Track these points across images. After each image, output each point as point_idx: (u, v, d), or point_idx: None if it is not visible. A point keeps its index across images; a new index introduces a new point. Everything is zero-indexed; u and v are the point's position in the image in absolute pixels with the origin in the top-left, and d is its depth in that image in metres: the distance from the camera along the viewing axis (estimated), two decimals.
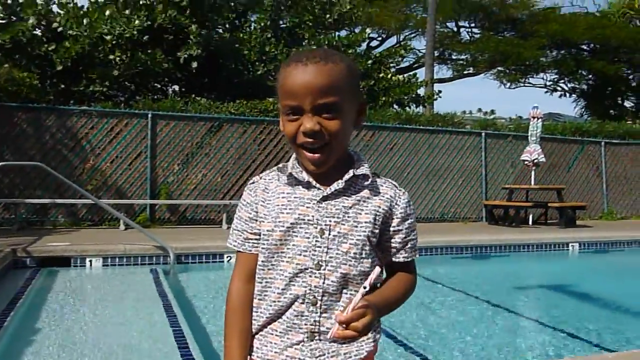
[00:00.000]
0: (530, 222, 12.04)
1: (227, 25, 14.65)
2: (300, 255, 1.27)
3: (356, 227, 1.29)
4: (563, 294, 6.69)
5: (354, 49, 15.88)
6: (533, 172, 12.52)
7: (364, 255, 1.29)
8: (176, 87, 15.04)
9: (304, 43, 15.11)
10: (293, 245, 1.28)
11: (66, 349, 4.03)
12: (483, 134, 13.37)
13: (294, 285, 1.27)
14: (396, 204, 1.36)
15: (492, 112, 62.20)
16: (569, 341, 4.56)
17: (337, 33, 16.26)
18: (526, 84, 29.64)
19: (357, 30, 18.67)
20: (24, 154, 9.88)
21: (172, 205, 10.86)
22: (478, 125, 14.22)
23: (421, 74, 22.83)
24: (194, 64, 12.73)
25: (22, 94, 10.13)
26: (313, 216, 1.28)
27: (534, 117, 12.43)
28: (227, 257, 7.71)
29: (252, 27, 14.97)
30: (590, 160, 14.56)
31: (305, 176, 1.31)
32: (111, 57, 12.13)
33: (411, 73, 21.51)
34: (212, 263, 7.66)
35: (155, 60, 12.16)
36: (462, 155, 13.12)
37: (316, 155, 1.26)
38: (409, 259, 1.40)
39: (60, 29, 11.98)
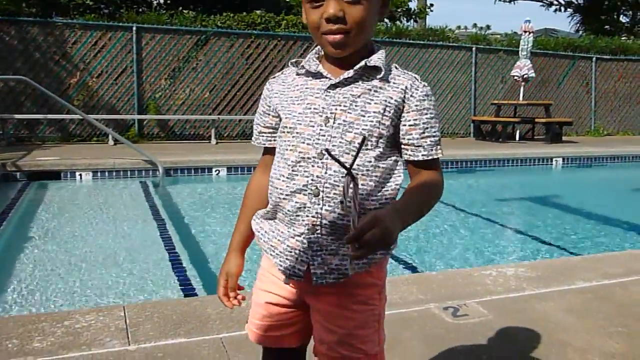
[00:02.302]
0: (517, 138, 12.16)
1: None
2: (303, 143, 1.24)
3: (363, 116, 1.23)
4: (544, 206, 6.90)
5: None
6: (522, 88, 12.50)
7: (368, 147, 1.23)
8: (161, 0, 14.62)
9: None
10: (297, 133, 1.25)
11: (58, 257, 4.18)
12: (474, 49, 13.21)
13: (297, 174, 1.24)
14: (411, 95, 1.25)
15: (488, 27, 61.04)
16: (542, 247, 4.77)
17: None
18: None
19: None
20: (9, 67, 9.74)
21: (160, 120, 10.84)
22: (469, 40, 14.02)
23: None
24: None
25: (1, 6, 9.83)
26: (319, 105, 1.25)
27: (525, 32, 12.27)
28: (216, 170, 7.82)
29: None
30: (581, 76, 14.50)
31: (315, 67, 1.28)
32: None
33: None
34: (200, 176, 7.79)
35: None
36: (452, 71, 13.02)
37: (337, 36, 1.20)
38: (429, 157, 1.26)
39: None
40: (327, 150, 1.18)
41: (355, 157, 1.10)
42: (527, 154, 9.73)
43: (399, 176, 1.27)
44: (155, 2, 14.25)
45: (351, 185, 1.08)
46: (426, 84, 1.28)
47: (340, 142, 1.22)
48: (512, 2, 27.43)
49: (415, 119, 1.25)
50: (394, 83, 1.26)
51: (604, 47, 14.78)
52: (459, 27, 50.27)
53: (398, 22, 15.58)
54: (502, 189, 8.40)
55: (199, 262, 4.06)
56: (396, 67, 1.30)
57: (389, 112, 1.23)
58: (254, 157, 8.05)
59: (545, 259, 4.22)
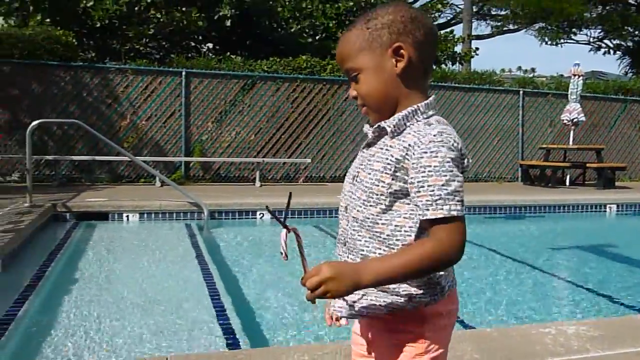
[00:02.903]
0: (567, 183, 11.80)
1: None
2: (341, 198, 1.43)
3: (369, 174, 1.31)
4: (600, 256, 6.57)
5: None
6: (572, 132, 12.20)
7: (371, 203, 1.29)
8: (210, 45, 15.03)
9: None
10: (342, 190, 1.43)
11: (102, 299, 4.17)
12: (521, 92, 13.04)
13: (339, 227, 1.42)
14: (413, 153, 1.24)
15: (533, 70, 60.51)
16: (601, 301, 4.51)
17: None
18: (569, 41, 28.59)
19: None
20: (62, 112, 10.09)
21: (205, 162, 10.99)
22: (516, 83, 13.86)
23: (458, 30, 22.27)
24: (228, 22, 12.66)
25: (58, 52, 10.26)
26: (354, 163, 1.42)
27: (574, 75, 12.03)
28: (260, 214, 7.81)
29: None
30: (633, 119, 14.09)
31: (365, 130, 1.43)
32: (147, 15, 12.15)
33: (448, 30, 20.96)
34: (244, 219, 7.78)
35: (191, 18, 12.13)
36: (499, 114, 12.86)
37: (362, 108, 1.40)
38: (424, 218, 1.22)
39: None
40: (266, 206, 1.42)
41: (284, 210, 1.30)
42: (579, 200, 9.39)
43: (409, 234, 1.28)
44: (203, 48, 14.65)
45: (295, 237, 1.33)
46: (434, 139, 1.23)
47: (354, 197, 1.35)
48: (559, 45, 27.16)
49: (412, 177, 1.24)
50: (403, 140, 1.28)
51: None
52: (503, 70, 49.99)
53: (443, 66, 15.57)
54: (555, 236, 8.09)
55: (243, 311, 3.98)
56: (425, 122, 1.30)
57: (390, 169, 1.27)
58: (299, 201, 8.02)
59: (608, 317, 3.97)
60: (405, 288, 1.28)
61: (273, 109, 11.31)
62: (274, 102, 11.32)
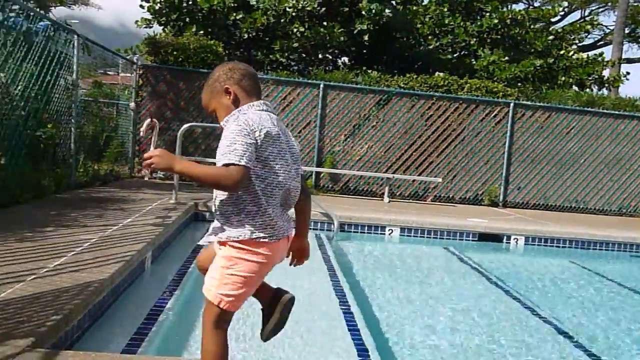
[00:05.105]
0: None
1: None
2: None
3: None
4: None
5: (537, 24, 14.89)
6: None
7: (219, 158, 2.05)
8: (345, 59, 15.28)
9: (482, 15, 14.52)
10: None
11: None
12: None
13: None
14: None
15: None
16: None
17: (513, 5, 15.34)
18: None
19: (536, 4, 17.40)
20: (209, 116, 10.67)
21: (335, 174, 11.14)
22: None
23: (607, 52, 20.81)
24: (366, 37, 12.81)
25: (208, 60, 10.93)
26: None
27: None
28: (389, 230, 7.76)
29: (428, 0, 14.62)
30: None
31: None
32: (292, 28, 12.61)
33: (596, 52, 19.71)
34: (373, 234, 7.76)
35: (333, 33, 12.41)
36: None
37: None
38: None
39: (252, 1, 12.74)
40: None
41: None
42: None
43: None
44: (340, 61, 14.93)
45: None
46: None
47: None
48: None
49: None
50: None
51: None
52: None
53: (589, 90, 14.63)
54: None
55: (375, 330, 3.94)
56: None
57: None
58: (428, 220, 7.88)
59: None
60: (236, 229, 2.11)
61: (407, 125, 11.24)
62: (408, 118, 11.24)
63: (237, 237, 2.10)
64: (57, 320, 2.79)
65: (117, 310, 3.77)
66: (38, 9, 6.69)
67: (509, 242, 7.98)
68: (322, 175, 11.19)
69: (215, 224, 2.19)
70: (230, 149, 1.98)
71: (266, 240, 2.10)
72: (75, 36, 7.81)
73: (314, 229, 7.65)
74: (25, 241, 4.39)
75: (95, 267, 3.77)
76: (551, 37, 14.83)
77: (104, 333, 3.38)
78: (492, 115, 11.39)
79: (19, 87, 6.50)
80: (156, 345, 3.29)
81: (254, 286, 2.20)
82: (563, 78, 14.37)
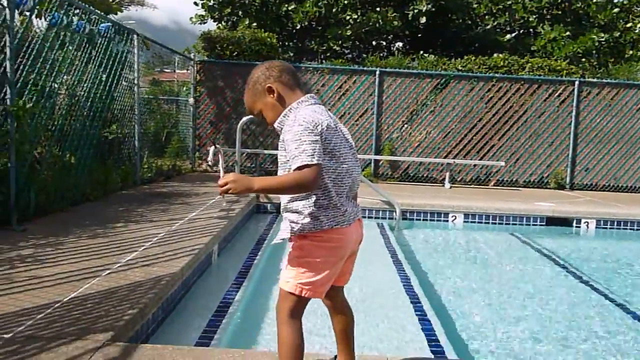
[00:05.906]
0: None
1: None
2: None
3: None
4: None
5: None
6: None
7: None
8: (400, 44, 15.07)
9: None
10: None
11: None
12: None
13: None
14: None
15: None
16: None
17: None
18: None
19: None
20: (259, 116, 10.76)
21: (394, 161, 11.01)
22: None
23: None
24: (423, 20, 12.56)
25: (262, 52, 10.99)
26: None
27: None
28: (452, 216, 7.60)
29: None
30: None
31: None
32: (344, 16, 12.52)
33: None
34: (436, 221, 7.63)
35: (386, 18, 12.24)
36: None
37: None
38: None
39: None
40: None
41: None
42: None
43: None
44: (394, 47, 14.73)
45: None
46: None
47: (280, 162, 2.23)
48: None
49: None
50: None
51: None
52: None
53: None
54: None
55: (444, 318, 3.86)
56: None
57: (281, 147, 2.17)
58: (493, 205, 7.67)
59: None
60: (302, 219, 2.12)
61: (466, 109, 10.97)
62: (467, 102, 10.97)
63: (310, 230, 2.11)
64: (134, 315, 2.85)
65: (187, 303, 3.84)
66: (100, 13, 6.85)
67: (579, 226, 7.67)
68: (381, 162, 11.08)
69: (286, 221, 2.19)
70: (300, 150, 1.98)
71: (338, 227, 2.12)
72: (135, 36, 7.99)
73: (375, 218, 7.59)
74: (98, 237, 4.53)
75: (165, 262, 3.84)
76: (616, 10, 14.12)
77: (176, 326, 3.44)
78: (556, 94, 10.97)
79: (84, 88, 6.70)
80: (228, 337, 3.33)
81: (333, 271, 2.16)
82: (631, 52, 13.70)
